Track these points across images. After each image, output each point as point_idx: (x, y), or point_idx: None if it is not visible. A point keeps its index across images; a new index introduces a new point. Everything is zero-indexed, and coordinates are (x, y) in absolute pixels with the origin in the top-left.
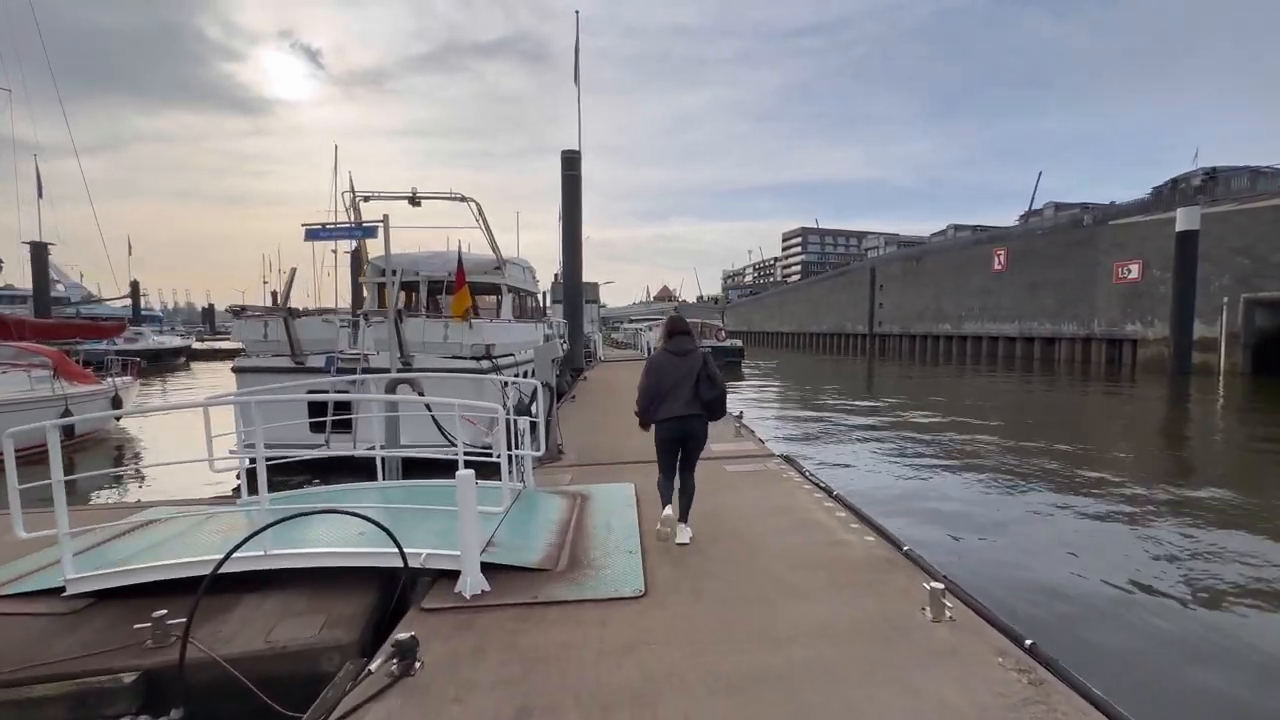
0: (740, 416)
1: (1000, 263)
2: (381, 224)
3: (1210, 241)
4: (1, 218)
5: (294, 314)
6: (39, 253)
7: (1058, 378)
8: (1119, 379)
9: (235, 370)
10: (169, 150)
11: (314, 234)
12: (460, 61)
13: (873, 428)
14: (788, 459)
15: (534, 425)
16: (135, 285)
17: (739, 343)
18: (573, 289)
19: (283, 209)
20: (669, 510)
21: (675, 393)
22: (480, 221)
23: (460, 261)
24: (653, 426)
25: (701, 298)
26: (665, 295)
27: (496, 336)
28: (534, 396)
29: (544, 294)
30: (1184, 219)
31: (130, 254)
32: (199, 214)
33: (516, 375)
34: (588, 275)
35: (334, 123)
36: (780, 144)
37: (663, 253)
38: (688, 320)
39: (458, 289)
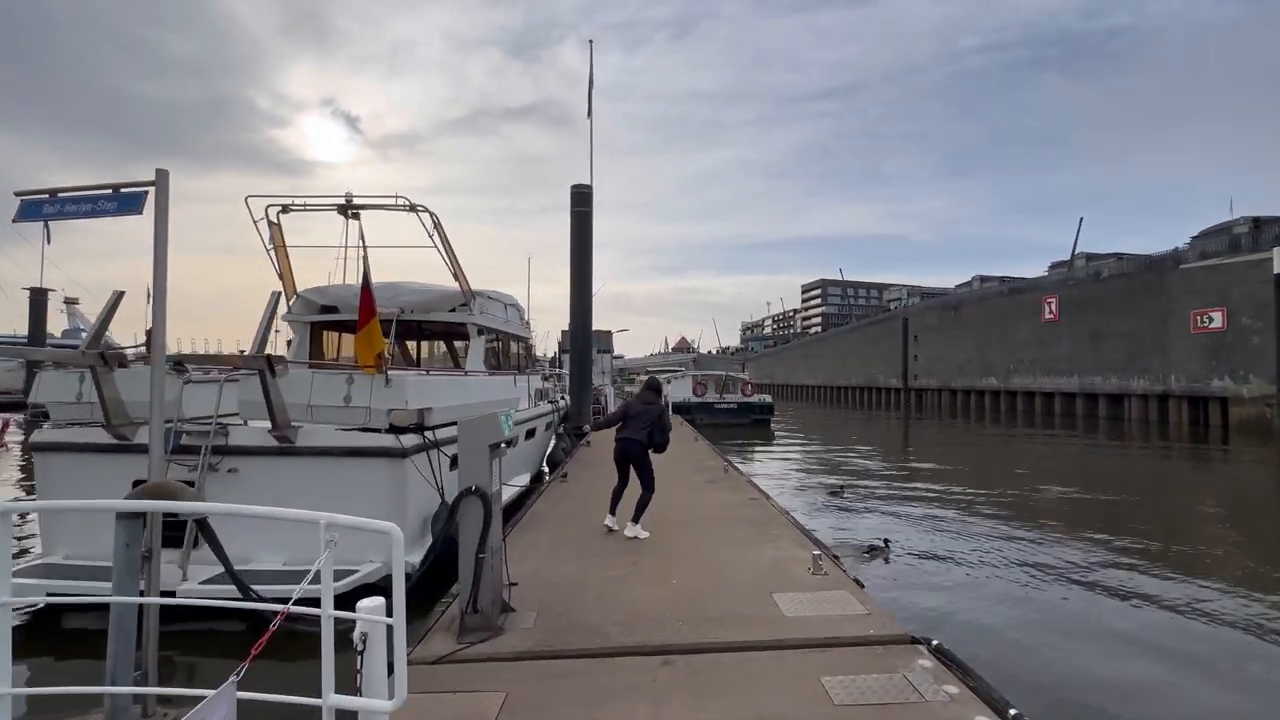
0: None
1: (1052, 311)
2: (151, 188)
3: None
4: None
5: (110, 361)
6: (37, 298)
7: (1130, 440)
8: (1207, 441)
9: (33, 449)
10: (214, 210)
11: (31, 211)
12: (490, 125)
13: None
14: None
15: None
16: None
17: (768, 398)
18: (581, 335)
19: (317, 260)
20: (611, 520)
21: (634, 424)
22: (437, 239)
23: (365, 282)
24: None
25: (721, 349)
26: (683, 346)
27: (434, 396)
28: (445, 516)
29: (555, 346)
30: None
31: (149, 303)
32: (235, 269)
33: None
34: (605, 327)
35: (369, 181)
36: (797, 201)
37: (681, 305)
38: (711, 373)
39: (362, 324)
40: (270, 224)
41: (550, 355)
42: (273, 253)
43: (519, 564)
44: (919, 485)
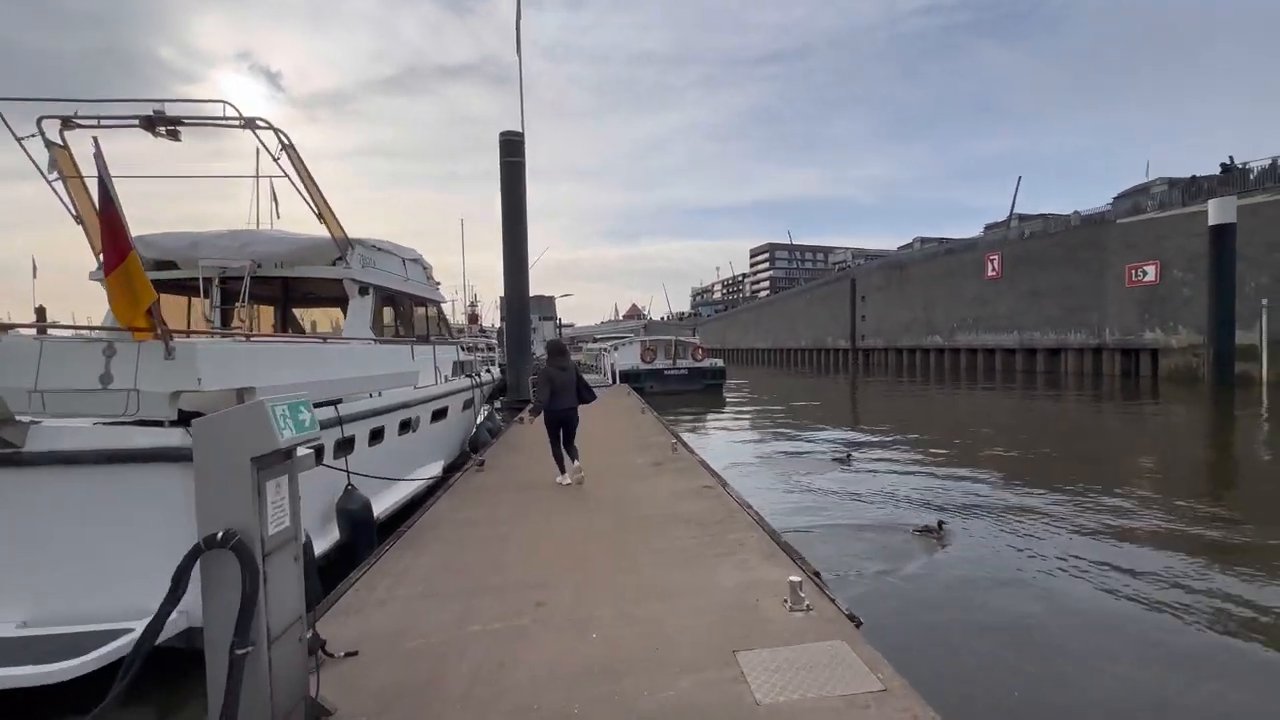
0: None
1: (994, 269)
2: None
3: (1242, 237)
4: None
5: None
6: None
7: (1066, 392)
8: (1138, 393)
9: None
10: (123, 175)
11: None
12: (425, 84)
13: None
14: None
15: None
16: (41, 311)
17: (720, 363)
18: (517, 300)
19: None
20: (563, 478)
21: (564, 394)
22: (287, 167)
23: (105, 204)
24: (543, 413)
25: (675, 315)
26: (634, 313)
27: (259, 370)
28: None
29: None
30: (1217, 211)
31: (35, 277)
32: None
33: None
34: (555, 295)
35: (302, 145)
36: (745, 164)
37: (632, 272)
38: (660, 338)
39: (109, 267)
40: (53, 146)
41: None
42: (60, 187)
43: (375, 611)
44: (891, 445)
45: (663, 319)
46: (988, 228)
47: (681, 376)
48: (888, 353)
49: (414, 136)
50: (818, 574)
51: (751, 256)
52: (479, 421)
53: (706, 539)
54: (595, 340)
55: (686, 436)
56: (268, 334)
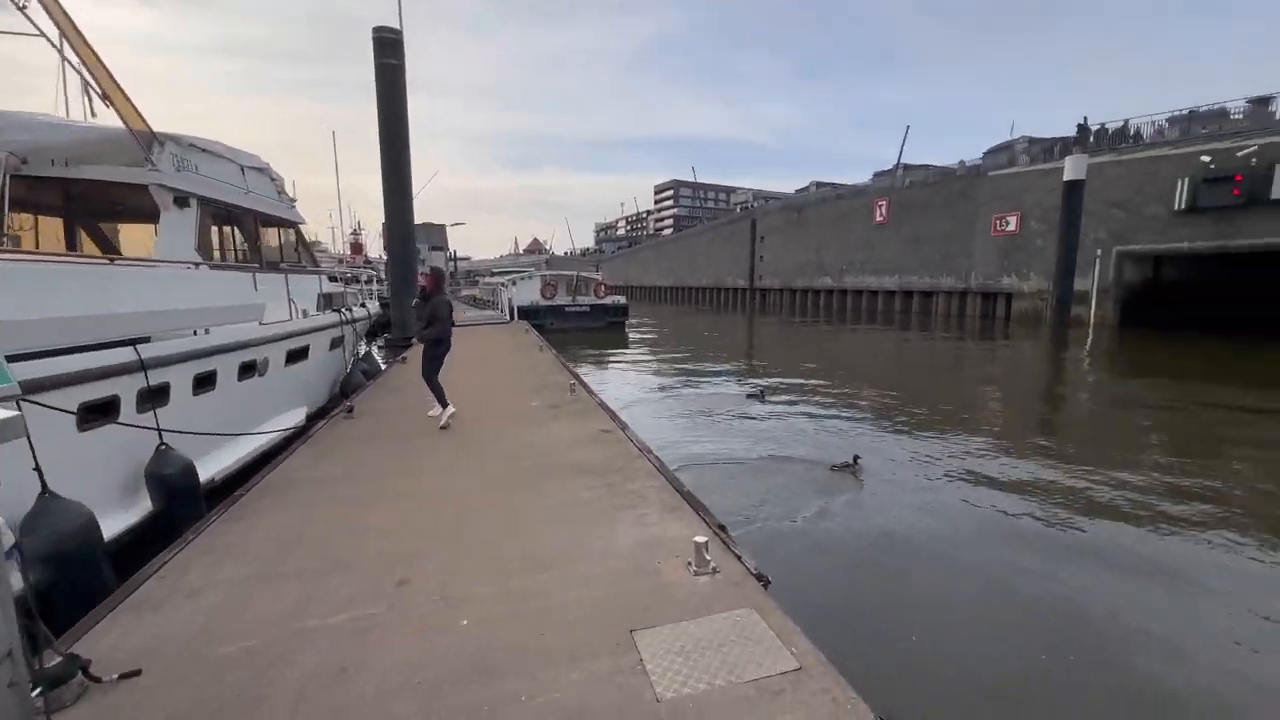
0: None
1: (882, 214)
2: None
3: (1088, 194)
4: None
5: None
6: None
7: (935, 332)
8: (993, 333)
9: None
10: None
11: None
12: None
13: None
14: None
15: None
16: None
17: (622, 300)
18: (400, 227)
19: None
20: (444, 411)
21: (444, 322)
22: (57, 26)
23: None
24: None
25: (578, 250)
26: (536, 248)
27: None
28: None
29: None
30: (1072, 168)
31: None
32: None
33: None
34: (448, 224)
35: (123, 32)
36: (651, 97)
37: (533, 204)
38: (561, 273)
39: None
40: None
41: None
42: None
43: (181, 605)
44: (795, 382)
45: (566, 254)
46: (876, 175)
47: (583, 313)
48: (783, 293)
49: (283, 34)
50: (723, 527)
51: (656, 193)
52: (353, 362)
53: (603, 491)
54: (493, 274)
55: (587, 376)
56: (35, 251)
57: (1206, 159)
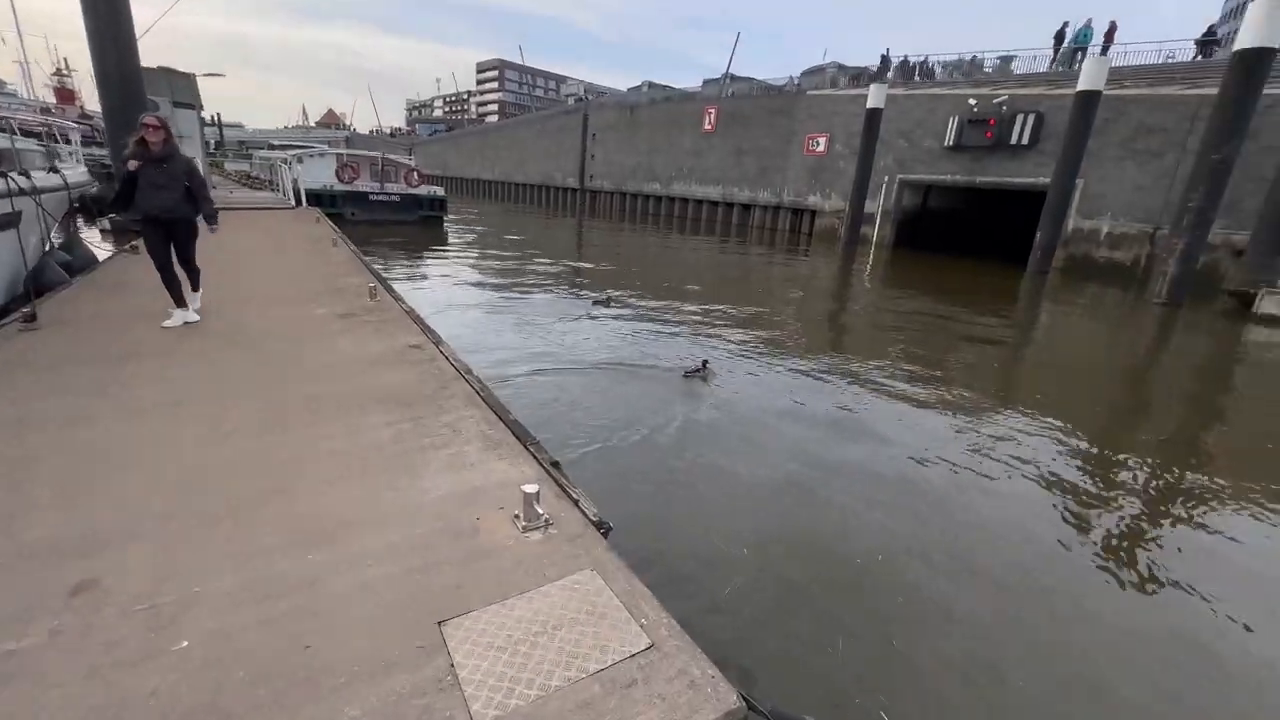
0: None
1: (710, 123)
2: None
3: (883, 123)
4: None
5: None
6: None
7: (750, 243)
8: (798, 247)
9: None
10: None
11: None
12: None
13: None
14: None
15: None
16: None
17: (440, 191)
18: (117, 69)
19: None
20: (174, 317)
21: (161, 189)
22: None
23: None
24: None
25: (390, 130)
26: (332, 121)
27: None
28: None
29: None
30: (874, 96)
31: None
32: None
33: None
34: (199, 72)
35: None
36: None
37: (327, 67)
38: (364, 153)
39: None
40: None
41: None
42: None
43: None
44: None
45: (372, 133)
46: (706, 83)
47: (392, 204)
48: (614, 196)
49: None
50: (556, 464)
51: (479, 71)
52: (45, 251)
53: (408, 426)
54: (271, 147)
55: (394, 279)
56: None
57: (973, 102)
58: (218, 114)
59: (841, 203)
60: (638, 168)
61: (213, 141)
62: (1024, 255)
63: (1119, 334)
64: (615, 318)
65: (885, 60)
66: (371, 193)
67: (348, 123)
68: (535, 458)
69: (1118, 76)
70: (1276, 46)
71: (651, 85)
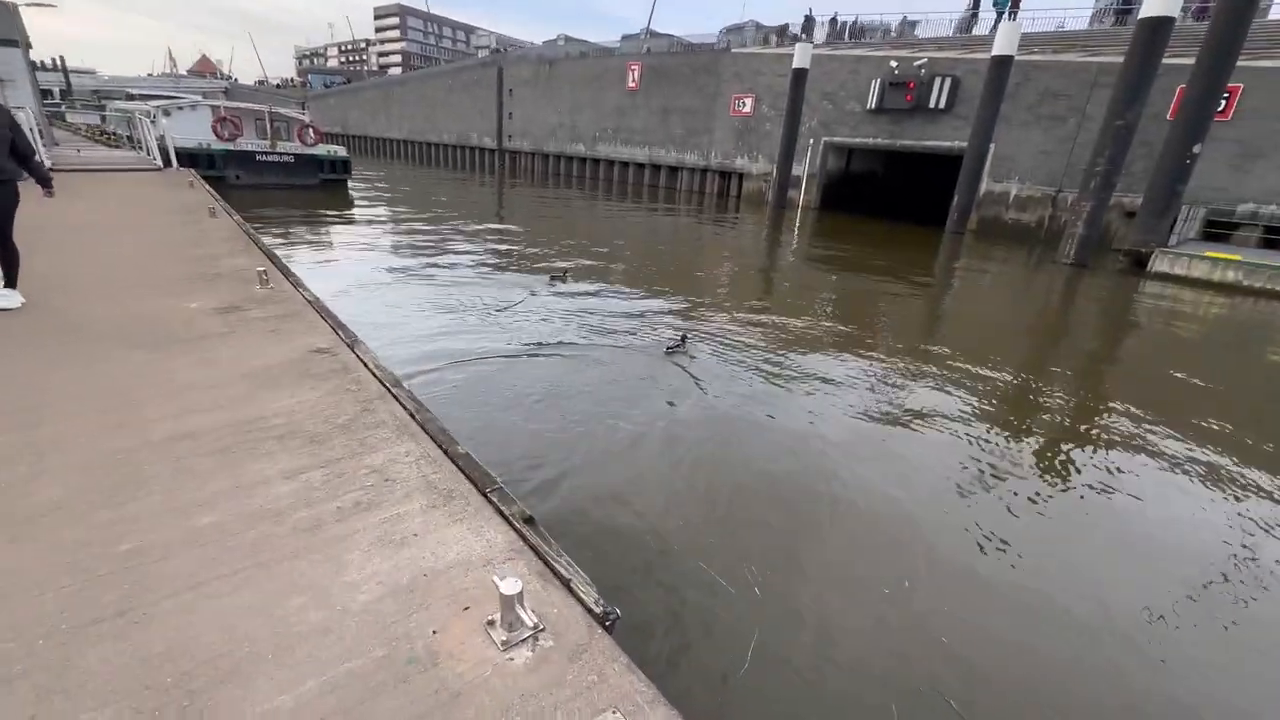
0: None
1: (634, 80)
2: None
3: (808, 85)
4: None
5: None
6: None
7: (679, 207)
8: (727, 211)
9: None
10: None
11: None
12: None
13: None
14: None
15: None
16: None
17: (342, 151)
18: None
19: None
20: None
21: None
22: None
23: None
24: None
25: (268, 80)
26: (207, 69)
27: None
28: None
29: None
30: (800, 55)
31: None
32: None
33: None
34: (46, 17)
35: None
36: None
37: (195, 7)
38: (247, 106)
39: None
40: None
41: None
42: None
43: None
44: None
45: (258, 84)
46: (624, 39)
47: (285, 166)
48: (534, 157)
49: None
50: (530, 520)
51: (376, 18)
52: None
53: (319, 477)
54: (130, 96)
55: (290, 257)
56: None
57: (894, 65)
58: (60, 57)
59: (769, 165)
60: (559, 127)
61: (58, 90)
62: (941, 217)
63: (1035, 292)
64: (558, 294)
65: (810, 19)
66: (259, 152)
67: (227, 72)
68: (501, 513)
69: (1026, 43)
70: (1175, 16)
71: (568, 39)
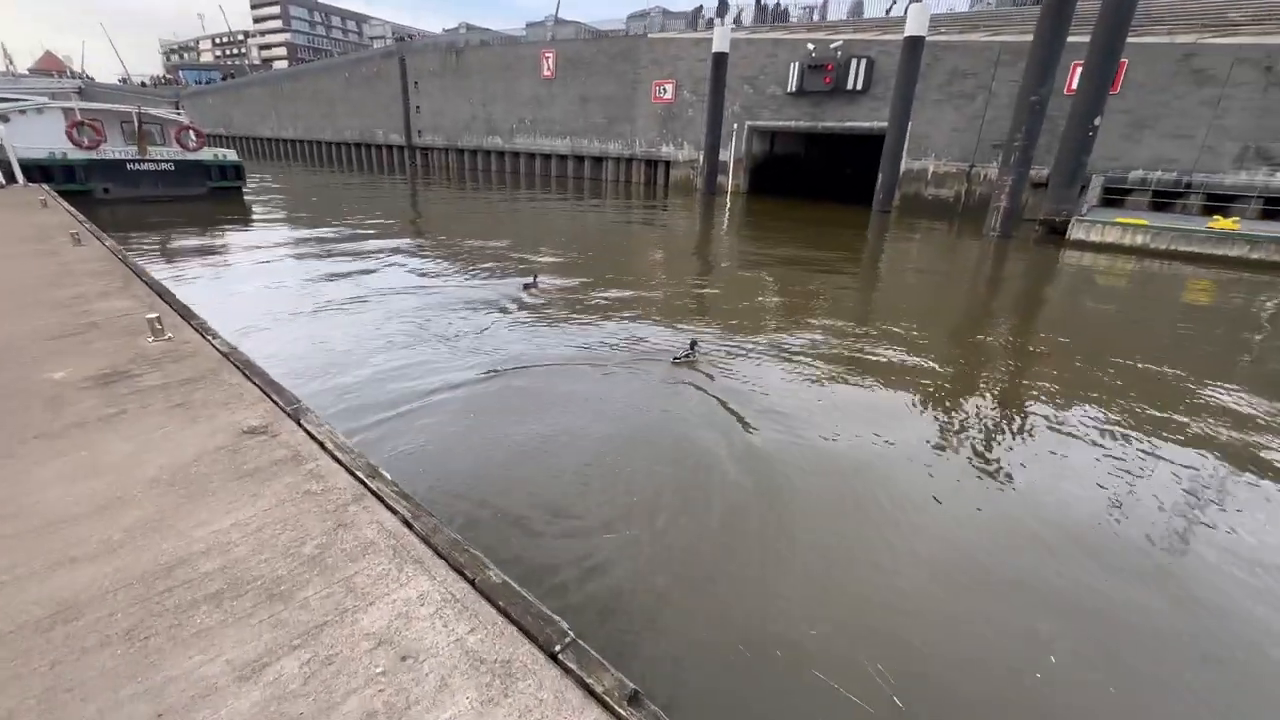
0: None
1: (550, 68)
2: None
3: (729, 69)
4: None
5: None
6: None
7: (607, 199)
8: (655, 200)
9: None
10: None
11: None
12: None
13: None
14: None
15: None
16: None
17: (233, 155)
18: None
19: None
20: None
21: None
22: None
23: None
24: None
25: (130, 78)
26: (53, 66)
27: None
28: None
29: None
30: (719, 39)
31: None
32: None
33: None
34: None
35: None
36: None
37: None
38: (111, 107)
39: None
40: None
41: None
42: None
43: None
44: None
45: (121, 83)
46: (530, 26)
47: (165, 175)
48: (448, 153)
49: None
50: (636, 697)
51: (254, 7)
52: None
53: (291, 661)
54: None
55: (190, 294)
56: None
57: (811, 48)
58: None
59: (695, 152)
60: (473, 120)
61: None
62: (864, 197)
63: (975, 265)
64: (511, 308)
65: (723, 1)
66: (130, 160)
67: (78, 69)
68: (588, 689)
69: (935, 23)
70: None
71: (470, 28)
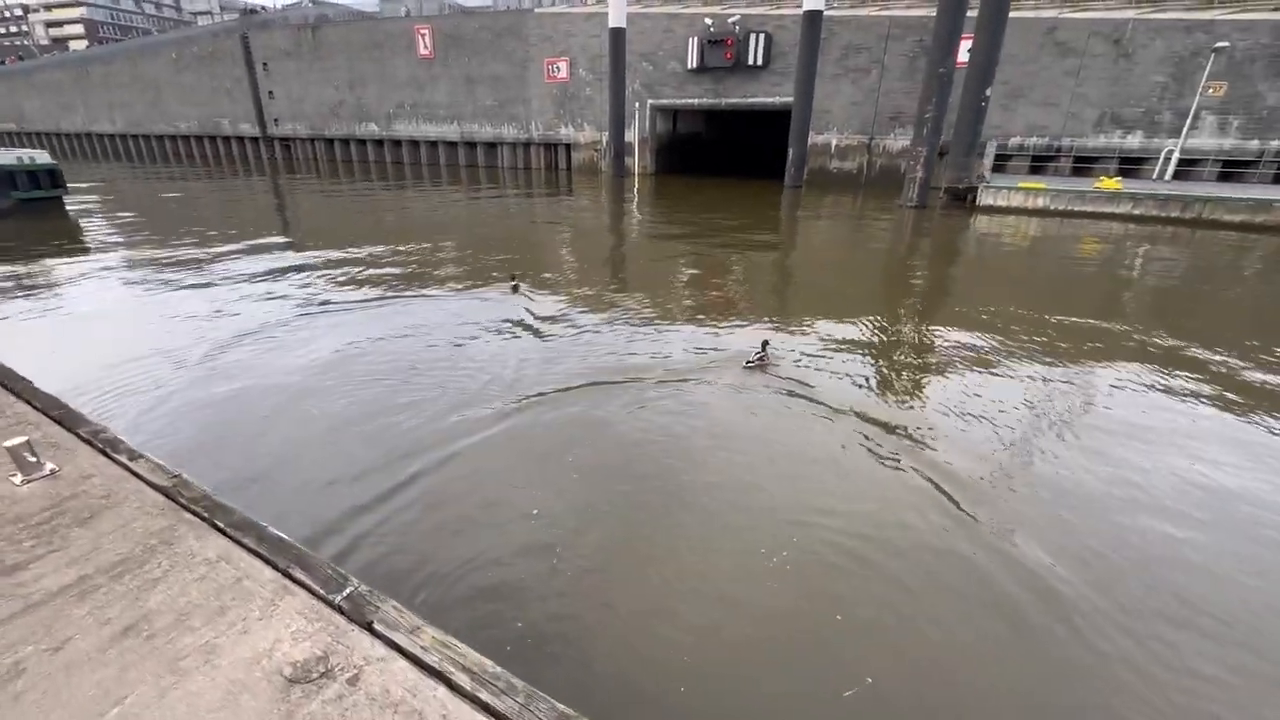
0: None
1: (427, 46)
2: None
3: (627, 46)
4: None
5: None
6: None
7: (504, 187)
8: (558, 185)
9: None
10: None
11: None
12: None
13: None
14: None
15: None
16: None
17: (47, 158)
18: None
19: None
20: None
21: None
22: None
23: None
24: None
25: None
26: None
27: None
28: None
29: None
30: (615, 13)
31: None
32: None
33: None
34: None
35: None
36: None
37: None
38: None
39: None
40: None
41: None
42: None
43: None
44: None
45: None
46: (384, 2)
47: None
48: (314, 143)
49: None
50: None
51: None
52: None
53: None
54: None
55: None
56: None
57: (709, 22)
58: None
59: (596, 133)
60: (340, 105)
61: None
62: (771, 172)
63: (897, 234)
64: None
65: None
66: None
67: None
68: None
69: None
70: None
71: (316, 1)
